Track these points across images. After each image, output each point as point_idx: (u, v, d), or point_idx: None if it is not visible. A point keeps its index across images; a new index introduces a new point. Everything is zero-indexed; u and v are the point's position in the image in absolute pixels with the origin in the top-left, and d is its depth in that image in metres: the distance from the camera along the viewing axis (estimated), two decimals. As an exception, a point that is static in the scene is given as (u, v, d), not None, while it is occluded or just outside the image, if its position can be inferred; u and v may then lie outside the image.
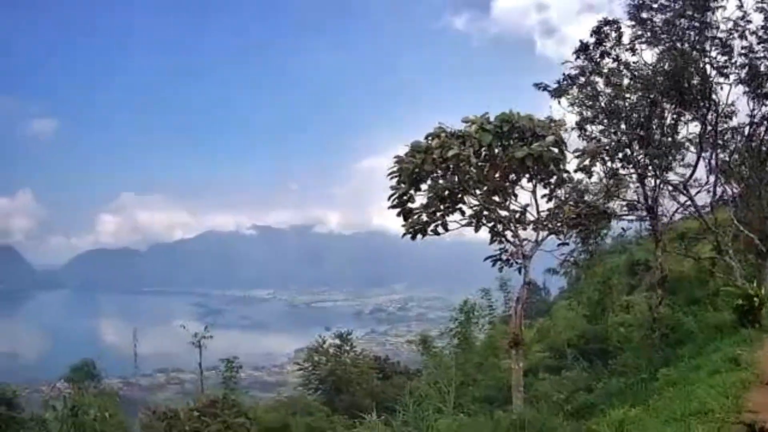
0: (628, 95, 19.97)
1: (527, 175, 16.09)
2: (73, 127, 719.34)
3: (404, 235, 15.66)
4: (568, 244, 18.29)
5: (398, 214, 15.62)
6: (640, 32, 19.76)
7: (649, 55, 19.87)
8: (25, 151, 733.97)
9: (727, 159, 21.00)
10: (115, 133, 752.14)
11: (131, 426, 14.81)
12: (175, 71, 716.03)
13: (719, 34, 19.04)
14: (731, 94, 19.62)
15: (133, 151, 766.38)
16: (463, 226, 16.28)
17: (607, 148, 19.34)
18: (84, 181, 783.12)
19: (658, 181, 19.78)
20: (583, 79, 20.03)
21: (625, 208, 20.21)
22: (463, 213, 16.16)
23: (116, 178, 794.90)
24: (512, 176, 16.44)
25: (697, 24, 19.04)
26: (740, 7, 18.78)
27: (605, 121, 20.05)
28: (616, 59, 19.92)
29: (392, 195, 15.29)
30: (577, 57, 19.94)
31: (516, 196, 16.69)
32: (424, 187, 15.76)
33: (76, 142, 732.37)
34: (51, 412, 13.29)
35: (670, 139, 19.94)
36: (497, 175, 16.21)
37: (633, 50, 19.87)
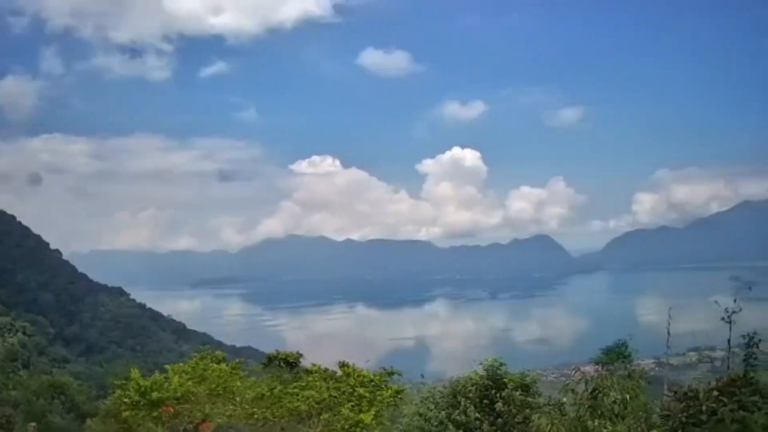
0: None
1: None
2: (599, 112, 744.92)
3: None
4: None
5: None
6: None
7: None
8: (555, 140, 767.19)
9: None
10: (643, 112, 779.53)
11: (655, 408, 14.63)
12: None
13: None
14: None
15: (664, 128, 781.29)
16: None
17: None
18: (615, 164, 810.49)
19: None
20: None
21: None
22: None
23: (649, 156, 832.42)
24: None
25: None
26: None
27: None
28: None
29: None
30: None
31: None
32: None
33: (604, 128, 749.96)
34: (570, 396, 12.79)
35: None
36: None
37: None
